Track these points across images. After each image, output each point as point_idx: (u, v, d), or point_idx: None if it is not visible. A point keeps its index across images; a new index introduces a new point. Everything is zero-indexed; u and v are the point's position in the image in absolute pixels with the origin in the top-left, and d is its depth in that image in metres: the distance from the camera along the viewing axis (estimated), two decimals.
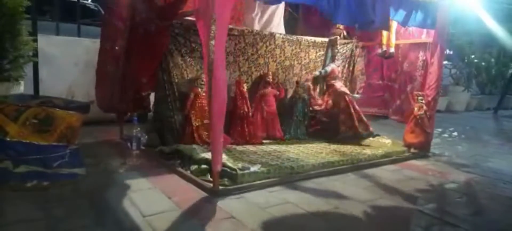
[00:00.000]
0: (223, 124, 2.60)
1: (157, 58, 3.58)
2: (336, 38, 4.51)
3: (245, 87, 4.01)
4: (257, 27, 4.28)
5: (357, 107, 4.23)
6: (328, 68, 4.36)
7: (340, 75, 4.53)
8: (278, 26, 4.63)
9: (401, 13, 3.88)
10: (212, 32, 2.46)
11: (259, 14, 4.38)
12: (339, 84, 4.30)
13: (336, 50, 4.46)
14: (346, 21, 3.73)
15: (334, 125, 4.23)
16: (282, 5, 4.82)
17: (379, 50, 5.07)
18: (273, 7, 4.39)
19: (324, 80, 4.49)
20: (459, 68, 9.62)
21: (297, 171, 3.13)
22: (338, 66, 4.91)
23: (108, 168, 3.13)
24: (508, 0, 8.54)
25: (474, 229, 2.35)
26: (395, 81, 5.14)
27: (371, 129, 4.26)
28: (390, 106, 5.23)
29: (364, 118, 4.27)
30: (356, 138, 4.12)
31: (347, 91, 4.24)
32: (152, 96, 3.87)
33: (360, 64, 5.17)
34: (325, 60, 4.51)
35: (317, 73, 4.46)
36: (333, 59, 4.40)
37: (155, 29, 3.52)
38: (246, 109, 3.93)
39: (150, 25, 3.56)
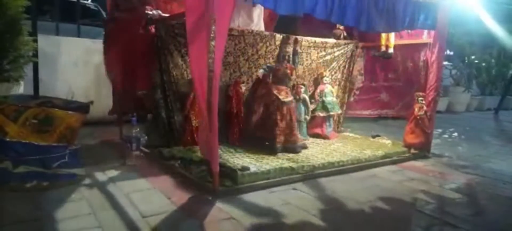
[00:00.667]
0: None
1: (136, 52, 3.56)
2: (288, 36, 4.08)
3: (242, 88, 4.00)
4: (233, 26, 4.23)
5: (287, 118, 3.70)
6: (271, 66, 3.89)
7: (289, 78, 3.95)
8: (257, 25, 4.57)
9: (406, 19, 3.86)
10: (212, 32, 2.44)
11: (235, 14, 4.32)
12: (278, 87, 3.75)
13: (286, 50, 3.96)
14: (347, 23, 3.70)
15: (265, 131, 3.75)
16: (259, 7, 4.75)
17: (373, 51, 5.06)
18: (249, 5, 4.31)
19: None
20: (459, 69, 9.62)
21: (297, 171, 3.13)
22: (338, 67, 4.93)
23: (108, 168, 3.12)
24: (508, 0, 8.53)
25: (474, 229, 2.34)
26: (397, 80, 5.09)
27: (298, 143, 3.78)
28: (393, 106, 5.19)
29: (296, 132, 3.81)
30: (273, 151, 3.56)
31: (283, 99, 3.69)
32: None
33: (359, 65, 5.15)
34: (277, 59, 4.09)
35: (261, 71, 3.96)
36: (283, 59, 3.95)
37: (125, 22, 3.55)
38: (239, 110, 3.92)
39: (120, 17, 3.58)
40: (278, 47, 4.26)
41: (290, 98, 3.84)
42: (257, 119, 3.84)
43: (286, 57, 3.99)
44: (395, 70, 5.08)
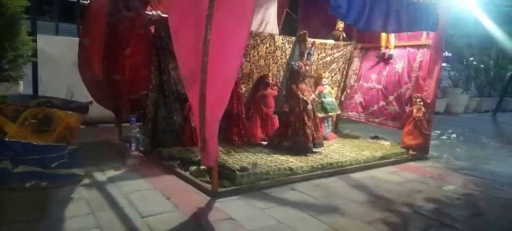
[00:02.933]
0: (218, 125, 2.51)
1: (129, 54, 3.52)
2: (305, 33, 3.89)
3: (242, 88, 4.01)
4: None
5: (312, 116, 3.80)
6: (296, 65, 3.78)
7: (310, 75, 4.08)
8: (273, 25, 4.54)
9: (404, 22, 3.83)
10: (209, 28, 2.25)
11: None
12: (300, 87, 3.78)
13: (305, 48, 3.87)
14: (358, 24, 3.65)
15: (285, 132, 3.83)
16: (274, 4, 4.75)
17: (370, 52, 5.05)
18: (265, 6, 4.25)
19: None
20: (458, 70, 9.65)
21: (296, 172, 3.13)
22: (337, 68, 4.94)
23: (107, 168, 3.12)
24: (507, 2, 8.56)
25: None
26: (379, 83, 4.89)
27: (323, 143, 3.88)
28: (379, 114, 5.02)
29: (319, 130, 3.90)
30: (307, 151, 3.67)
31: (307, 99, 3.76)
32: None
33: (354, 64, 5.14)
34: (291, 56, 3.95)
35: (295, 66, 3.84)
36: (301, 57, 3.86)
37: (121, 21, 3.49)
38: (240, 111, 3.93)
39: (117, 16, 3.51)
40: (277, 48, 4.27)
41: (313, 96, 3.92)
42: (286, 125, 3.83)
43: (305, 54, 3.90)
44: (380, 73, 4.90)
